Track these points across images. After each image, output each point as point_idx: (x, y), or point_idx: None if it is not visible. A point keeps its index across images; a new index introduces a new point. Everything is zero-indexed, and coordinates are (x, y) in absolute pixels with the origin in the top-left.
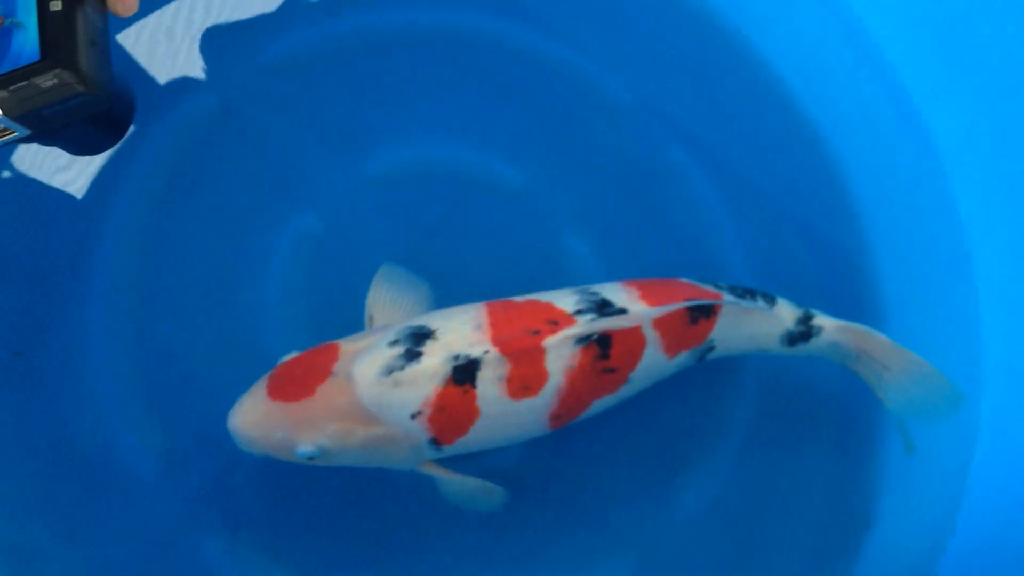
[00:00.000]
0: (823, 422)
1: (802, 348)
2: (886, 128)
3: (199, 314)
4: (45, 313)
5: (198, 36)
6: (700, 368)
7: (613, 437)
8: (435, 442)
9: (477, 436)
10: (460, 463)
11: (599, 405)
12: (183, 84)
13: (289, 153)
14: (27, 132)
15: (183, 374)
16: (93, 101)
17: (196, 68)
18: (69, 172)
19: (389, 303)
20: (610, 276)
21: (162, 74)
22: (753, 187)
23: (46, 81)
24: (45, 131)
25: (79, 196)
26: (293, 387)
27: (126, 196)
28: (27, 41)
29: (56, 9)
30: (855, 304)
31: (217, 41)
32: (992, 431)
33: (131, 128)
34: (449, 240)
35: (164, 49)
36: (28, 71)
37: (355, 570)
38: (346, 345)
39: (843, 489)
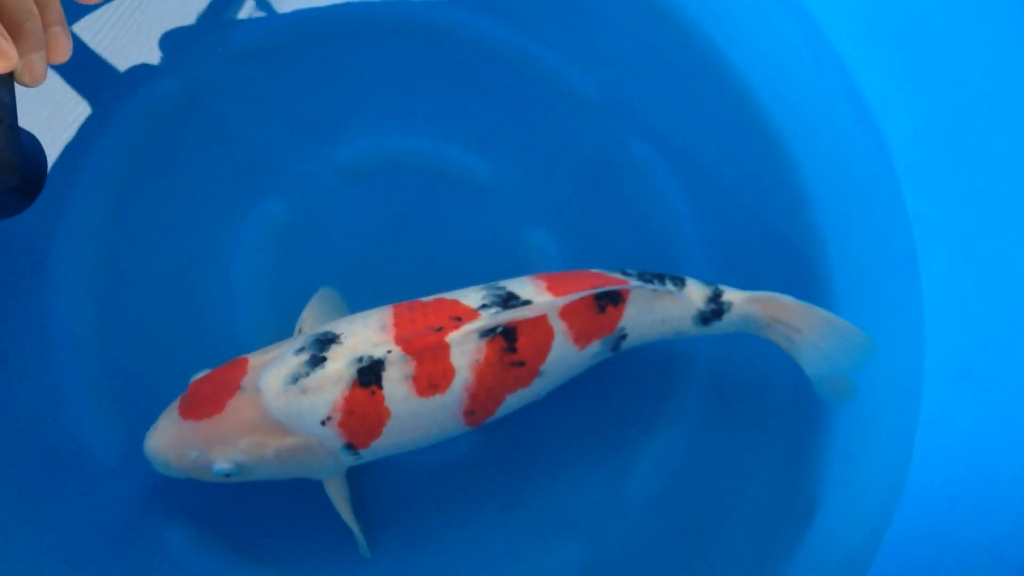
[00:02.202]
0: (771, 411)
1: (716, 326)
2: (841, 127)
3: (162, 301)
4: (6, 299)
5: (163, 20)
6: (652, 355)
7: (566, 422)
8: (351, 447)
9: (392, 438)
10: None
11: (515, 400)
12: (148, 69)
13: (255, 141)
14: None
15: (146, 361)
16: (2, 180)
17: (162, 53)
18: None
19: (318, 318)
20: (573, 268)
21: (127, 59)
22: (713, 183)
23: None
24: None
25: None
26: (203, 405)
27: (89, 182)
28: None
29: None
30: (805, 296)
31: (183, 26)
32: (932, 423)
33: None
34: (414, 231)
35: (129, 34)
36: None
37: (314, 555)
38: (255, 358)
39: (788, 477)
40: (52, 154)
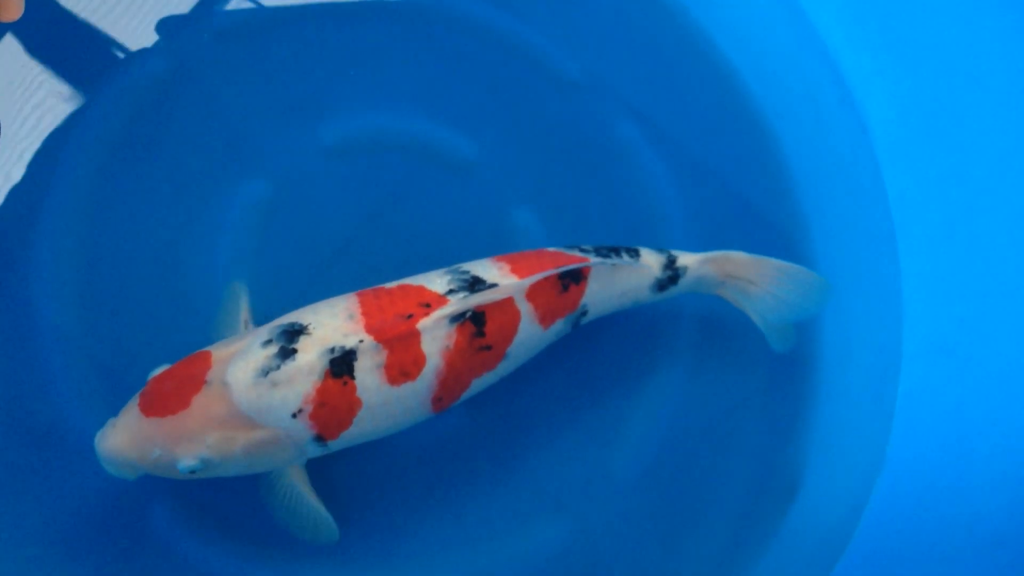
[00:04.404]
0: (753, 389)
1: (672, 291)
2: (823, 108)
3: (146, 280)
4: None
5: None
6: (634, 334)
7: (550, 400)
8: (320, 439)
9: (361, 428)
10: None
11: (479, 383)
12: (131, 48)
13: (240, 119)
14: None
15: (131, 340)
16: None
17: (148, 31)
18: (16, 134)
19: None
20: (557, 247)
21: (113, 37)
22: (697, 162)
23: None
24: None
25: (26, 160)
26: (167, 401)
27: (73, 162)
28: None
29: None
30: None
31: (166, 5)
32: (911, 400)
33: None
34: (398, 210)
35: (111, 13)
36: None
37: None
38: (218, 351)
39: (770, 454)
40: (39, 131)
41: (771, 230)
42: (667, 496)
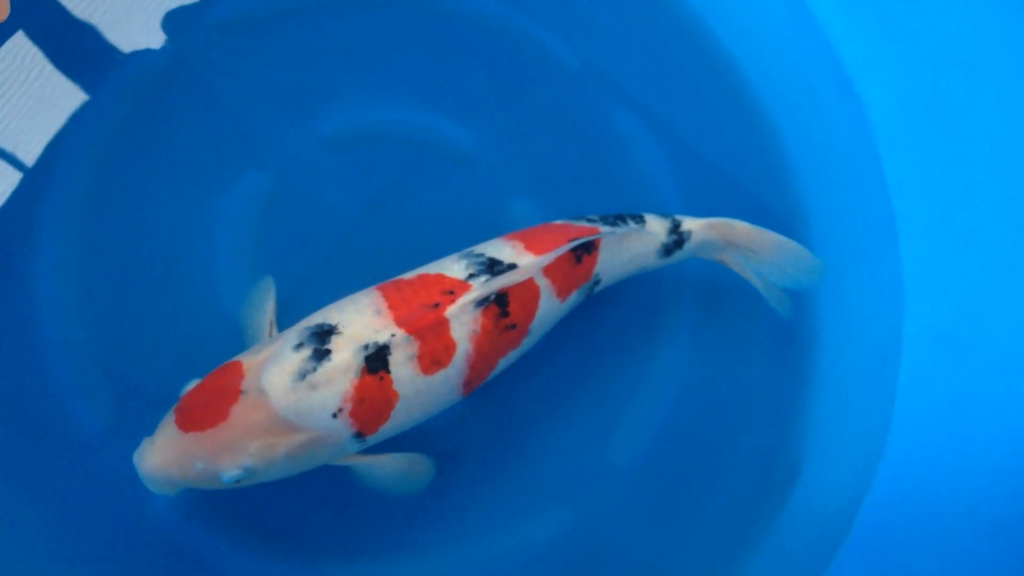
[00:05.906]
0: (752, 377)
1: (677, 255)
2: (822, 98)
3: (147, 273)
4: None
5: None
6: (634, 327)
7: (549, 394)
8: (359, 435)
9: (398, 420)
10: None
11: (504, 363)
12: (131, 41)
13: (240, 111)
14: None
15: (131, 332)
16: None
17: (147, 23)
18: (16, 128)
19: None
20: None
21: (112, 30)
22: (695, 152)
23: None
24: None
25: (26, 153)
26: (204, 415)
27: (73, 155)
28: None
29: None
30: None
31: None
32: (911, 388)
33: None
34: (398, 202)
35: (114, 5)
36: None
37: (300, 524)
38: (247, 360)
39: (770, 442)
40: (39, 125)
41: (771, 220)
42: (668, 484)
